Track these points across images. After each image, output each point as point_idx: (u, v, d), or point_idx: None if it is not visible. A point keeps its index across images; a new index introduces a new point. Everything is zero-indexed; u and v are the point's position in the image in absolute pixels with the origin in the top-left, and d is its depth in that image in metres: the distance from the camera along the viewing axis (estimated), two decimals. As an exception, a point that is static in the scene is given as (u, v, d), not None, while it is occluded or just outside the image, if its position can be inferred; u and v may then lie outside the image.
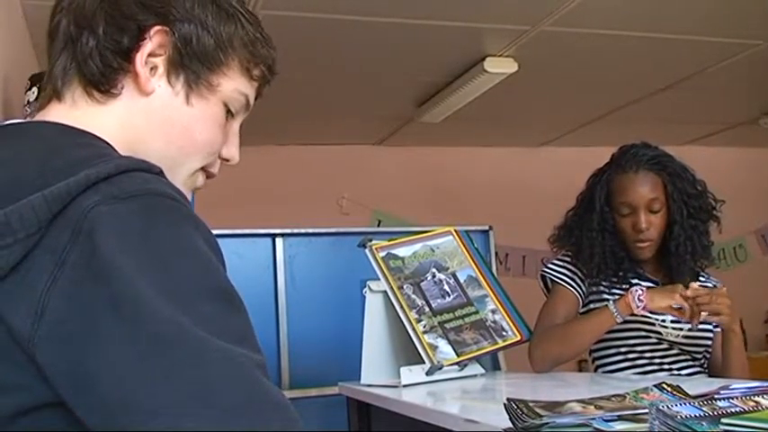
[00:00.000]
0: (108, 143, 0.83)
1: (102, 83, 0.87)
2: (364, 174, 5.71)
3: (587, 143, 5.62)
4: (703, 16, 3.51)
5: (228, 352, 0.66)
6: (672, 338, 2.11)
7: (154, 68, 0.88)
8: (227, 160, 0.98)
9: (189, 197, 0.95)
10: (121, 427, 0.63)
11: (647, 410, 1.04)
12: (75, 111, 0.88)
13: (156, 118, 0.89)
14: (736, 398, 1.06)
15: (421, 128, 5.12)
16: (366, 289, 2.09)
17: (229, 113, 0.94)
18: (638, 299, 1.95)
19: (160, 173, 0.77)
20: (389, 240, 2.17)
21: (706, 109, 5.29)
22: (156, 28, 0.87)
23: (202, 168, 0.95)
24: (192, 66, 0.89)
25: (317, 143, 5.58)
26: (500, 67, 3.90)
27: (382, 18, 3.35)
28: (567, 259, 2.22)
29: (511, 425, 1.14)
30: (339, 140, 5.58)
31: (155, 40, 0.87)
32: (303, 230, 2.90)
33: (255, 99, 0.98)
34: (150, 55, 0.87)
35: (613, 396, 1.24)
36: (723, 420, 0.96)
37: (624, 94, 4.79)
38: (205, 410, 0.63)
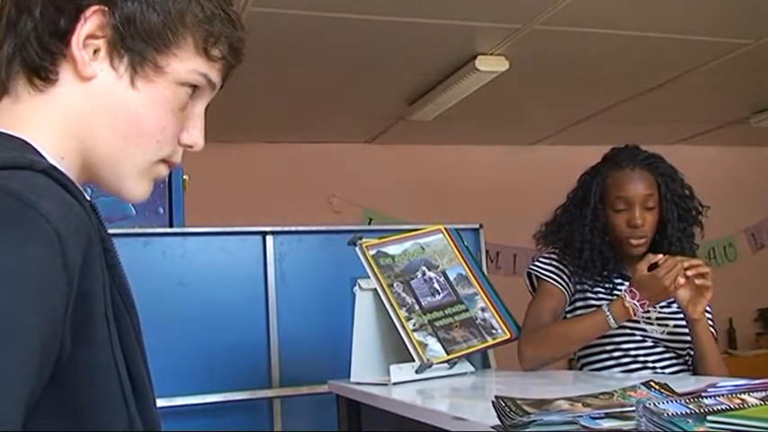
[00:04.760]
0: (27, 143, 0.79)
1: (42, 69, 0.82)
2: (355, 172, 5.71)
3: (578, 142, 5.64)
4: (694, 16, 3.52)
5: None
6: (657, 335, 2.11)
7: (96, 51, 0.83)
8: (190, 147, 0.91)
9: (148, 189, 0.90)
10: None
11: (634, 408, 1.05)
12: (17, 105, 0.84)
13: (100, 105, 0.83)
14: (723, 395, 1.06)
15: (412, 126, 5.12)
16: (356, 287, 2.09)
17: (193, 92, 0.88)
18: (636, 305, 1.95)
19: (45, 170, 0.72)
20: (380, 238, 2.17)
21: (696, 108, 5.31)
22: (94, 8, 0.81)
23: (163, 159, 0.89)
24: (135, 47, 0.83)
25: (308, 141, 5.57)
26: (491, 65, 3.90)
27: (373, 16, 3.35)
28: (554, 256, 2.23)
29: (499, 422, 1.15)
30: (330, 139, 5.58)
31: (92, 21, 0.81)
32: (294, 228, 2.89)
33: (223, 83, 0.91)
34: (90, 37, 0.82)
35: (601, 394, 1.25)
36: (709, 418, 0.97)
37: (615, 93, 4.80)
38: None
